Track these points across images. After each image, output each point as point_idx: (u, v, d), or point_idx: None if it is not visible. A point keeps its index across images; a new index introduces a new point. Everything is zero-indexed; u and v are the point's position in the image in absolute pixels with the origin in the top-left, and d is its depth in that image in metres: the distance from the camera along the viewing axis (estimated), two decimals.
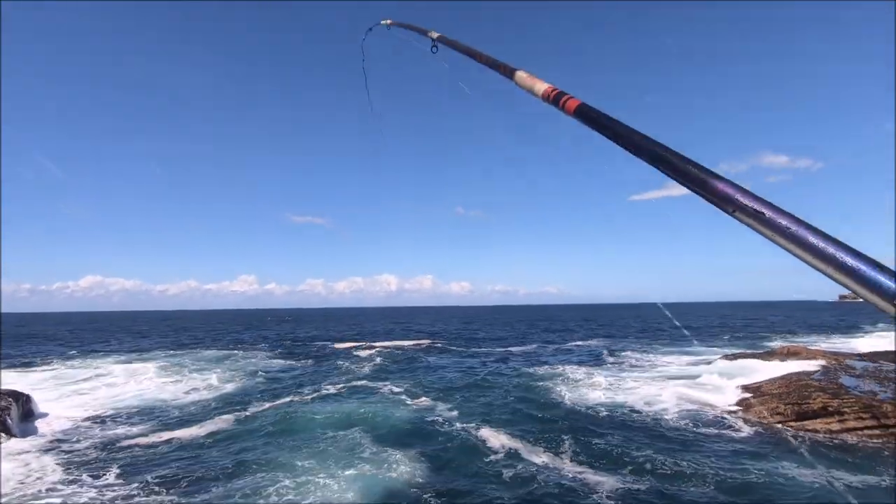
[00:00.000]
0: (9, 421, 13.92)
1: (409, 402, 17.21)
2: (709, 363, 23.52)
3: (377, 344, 41.20)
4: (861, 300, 0.66)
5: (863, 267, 0.64)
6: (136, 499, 9.25)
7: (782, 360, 21.04)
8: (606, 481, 9.74)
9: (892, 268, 0.65)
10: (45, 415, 16.21)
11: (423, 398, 17.77)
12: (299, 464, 10.99)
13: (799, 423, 13.34)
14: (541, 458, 11.17)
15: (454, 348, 38.05)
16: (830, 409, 13.25)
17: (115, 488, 9.74)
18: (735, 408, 15.17)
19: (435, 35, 2.80)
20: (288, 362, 30.33)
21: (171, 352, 37.70)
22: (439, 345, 40.64)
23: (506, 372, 24.27)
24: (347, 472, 10.32)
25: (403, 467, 10.69)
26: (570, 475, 10.12)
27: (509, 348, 37.22)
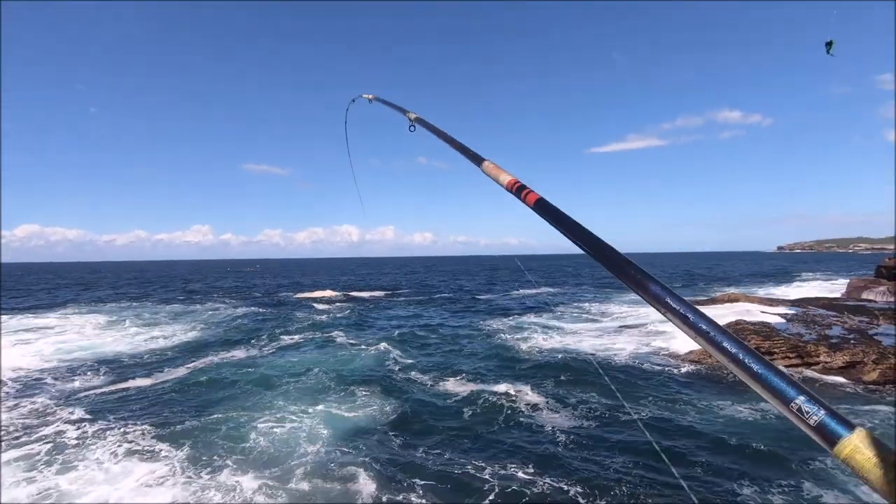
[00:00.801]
0: None
1: (366, 350, 17.41)
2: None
3: (337, 294, 41.13)
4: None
5: (768, 373, 0.76)
6: (104, 446, 9.09)
7: (722, 306, 22.58)
8: (556, 418, 10.36)
9: None
10: None
11: (380, 345, 18.03)
12: (270, 403, 11.50)
13: None
14: (496, 398, 11.67)
15: (414, 298, 38.52)
16: (762, 349, 14.40)
17: (77, 438, 9.53)
18: (679, 350, 16.23)
19: (413, 116, 2.96)
20: (248, 310, 29.99)
21: (122, 304, 36.32)
22: (400, 296, 40.99)
23: (464, 321, 24.91)
24: (317, 408, 11.03)
25: (367, 406, 11.26)
26: (524, 413, 10.68)
27: (471, 297, 38.01)
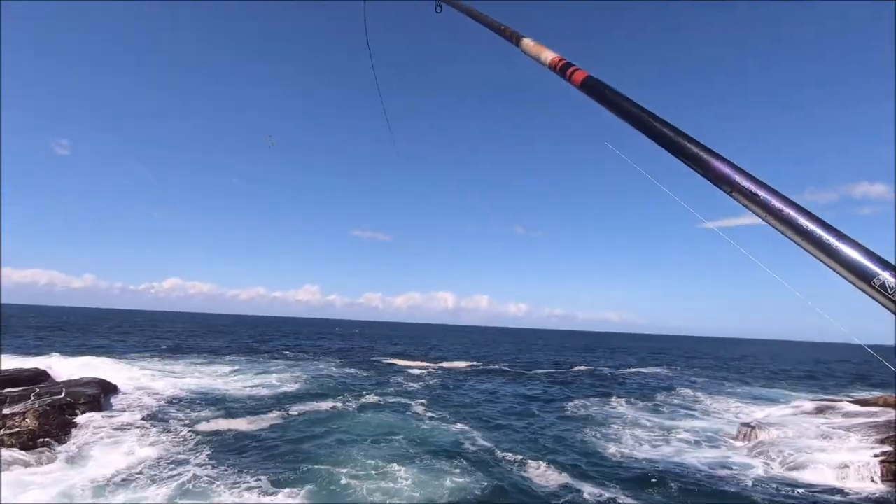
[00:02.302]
0: (101, 400, 15.53)
1: (453, 425, 17.03)
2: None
3: (431, 364, 41.39)
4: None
5: (845, 248, 0.67)
6: (189, 471, 9.88)
7: (882, 410, 18.69)
8: None
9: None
10: (127, 396, 17.79)
11: (466, 422, 17.58)
12: (354, 458, 12.31)
13: None
14: (593, 492, 10.65)
15: (506, 371, 37.48)
16: None
17: (172, 463, 10.49)
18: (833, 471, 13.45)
19: None
20: (345, 371, 31.42)
21: (242, 355, 40.13)
22: (492, 367, 40.12)
23: (556, 402, 23.49)
24: (391, 471, 11.40)
25: (449, 479, 11.11)
26: None
27: (563, 373, 35.97)
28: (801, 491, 11.44)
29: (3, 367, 21.26)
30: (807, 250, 0.71)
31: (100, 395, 16.91)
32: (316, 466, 11.59)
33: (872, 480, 12.09)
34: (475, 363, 43.39)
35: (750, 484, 12.04)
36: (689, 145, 0.87)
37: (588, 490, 10.92)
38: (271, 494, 9.74)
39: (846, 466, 12.71)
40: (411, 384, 26.80)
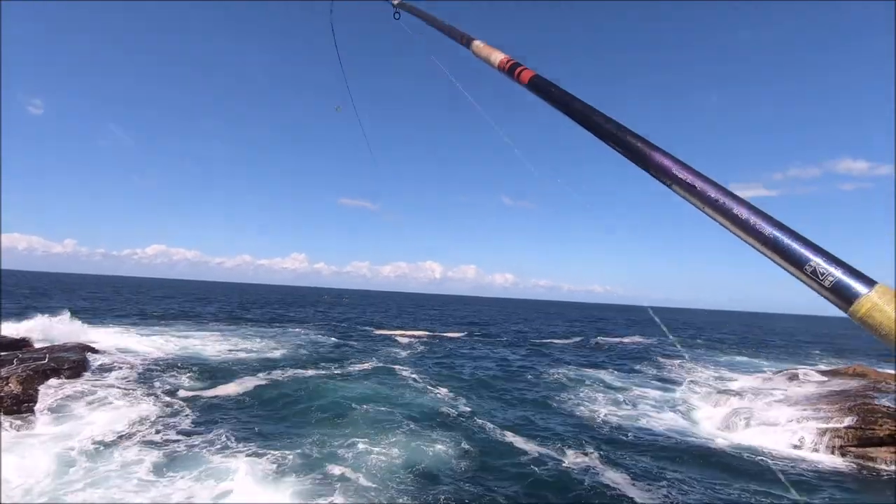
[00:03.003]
0: (85, 365, 15.51)
1: (438, 391, 17.43)
2: (769, 378, 22.30)
3: (417, 333, 41.86)
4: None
5: (779, 236, 0.68)
6: (172, 427, 10.05)
7: (851, 380, 19.52)
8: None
9: None
10: (111, 360, 17.78)
11: (449, 386, 18.08)
12: (340, 423, 12.69)
13: (861, 450, 12.49)
14: (567, 463, 11.08)
15: (492, 340, 38.14)
16: None
17: (154, 419, 10.64)
18: (789, 431, 14.27)
19: (396, 1, 2.75)
20: (332, 339, 31.63)
21: (227, 322, 40.11)
22: (477, 336, 40.77)
23: (538, 369, 24.08)
24: (384, 438, 11.59)
25: (434, 445, 11.34)
26: (593, 484, 9.99)
27: (548, 342, 36.78)
28: (758, 459, 12.03)
29: None
30: (743, 240, 0.73)
31: (83, 359, 16.87)
32: (302, 431, 11.84)
33: (825, 451, 12.74)
34: (461, 333, 44.00)
35: (713, 447, 12.68)
36: (630, 139, 0.89)
37: (568, 454, 11.35)
38: (256, 457, 9.92)
39: (800, 436, 13.41)
40: (398, 352, 27.15)
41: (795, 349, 44.87)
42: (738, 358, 34.94)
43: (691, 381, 22.36)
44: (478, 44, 1.69)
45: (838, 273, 0.66)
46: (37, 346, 18.32)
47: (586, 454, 11.41)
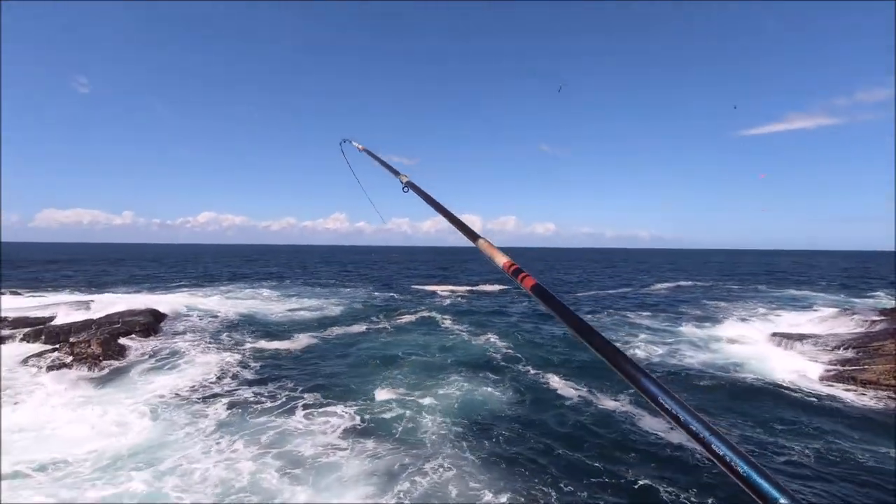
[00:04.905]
0: (154, 327, 16.88)
1: (480, 339, 18.05)
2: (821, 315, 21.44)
3: (458, 288, 42.36)
4: None
5: (753, 474, 0.70)
6: (244, 383, 10.94)
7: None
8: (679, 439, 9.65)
9: None
10: (177, 322, 19.27)
11: (494, 336, 18.58)
12: (395, 372, 13.59)
13: None
14: (610, 405, 11.27)
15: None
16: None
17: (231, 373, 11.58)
18: (844, 368, 13.86)
19: (405, 179, 2.78)
20: (385, 295, 33.07)
21: (280, 281, 42.10)
22: (519, 289, 40.83)
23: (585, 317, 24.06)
24: (442, 381, 12.54)
25: (482, 388, 12.14)
26: (641, 426, 10.15)
27: (592, 292, 36.54)
28: (813, 401, 11.80)
29: (64, 301, 23.08)
30: (720, 467, 0.76)
31: (153, 322, 18.34)
32: (364, 379, 12.83)
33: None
34: (503, 286, 44.29)
35: (754, 386, 12.49)
36: (622, 362, 0.92)
37: (605, 400, 11.53)
38: (326, 406, 10.67)
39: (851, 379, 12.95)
40: (442, 305, 27.84)
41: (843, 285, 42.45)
42: (794, 292, 33.56)
43: (738, 320, 21.83)
44: (483, 242, 1.70)
45: None
46: (108, 312, 20.00)
47: (618, 400, 11.55)
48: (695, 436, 0.77)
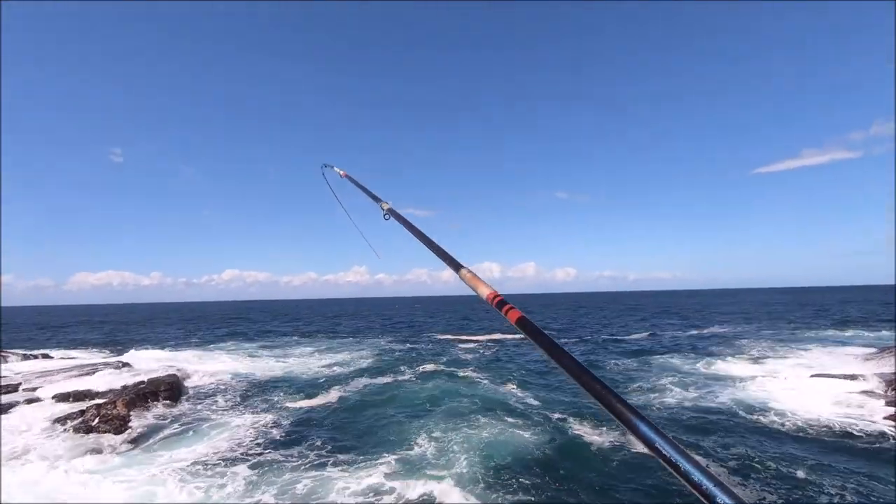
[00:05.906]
0: (180, 388, 17.00)
1: (504, 388, 17.74)
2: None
3: (478, 337, 41.56)
4: None
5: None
6: (275, 442, 10.73)
7: None
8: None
9: None
10: (202, 383, 19.32)
11: (516, 385, 18.26)
12: (432, 420, 13.59)
13: None
14: (631, 449, 10.75)
15: (559, 339, 37.43)
16: None
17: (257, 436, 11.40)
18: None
19: (386, 206, 2.67)
20: (410, 346, 32.98)
21: (306, 337, 42.22)
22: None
23: (606, 361, 23.37)
24: (461, 430, 12.50)
25: (508, 433, 12.13)
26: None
27: (616, 337, 35.54)
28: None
29: (91, 362, 23.48)
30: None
31: (178, 383, 18.44)
32: (396, 431, 12.80)
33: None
34: (522, 335, 43.36)
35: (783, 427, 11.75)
36: (615, 403, 0.88)
37: (636, 446, 10.98)
38: (360, 467, 10.34)
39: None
40: (464, 356, 27.39)
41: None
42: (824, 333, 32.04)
43: (762, 359, 20.83)
44: (465, 272, 1.59)
45: None
46: (135, 373, 20.23)
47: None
48: (691, 482, 0.74)
